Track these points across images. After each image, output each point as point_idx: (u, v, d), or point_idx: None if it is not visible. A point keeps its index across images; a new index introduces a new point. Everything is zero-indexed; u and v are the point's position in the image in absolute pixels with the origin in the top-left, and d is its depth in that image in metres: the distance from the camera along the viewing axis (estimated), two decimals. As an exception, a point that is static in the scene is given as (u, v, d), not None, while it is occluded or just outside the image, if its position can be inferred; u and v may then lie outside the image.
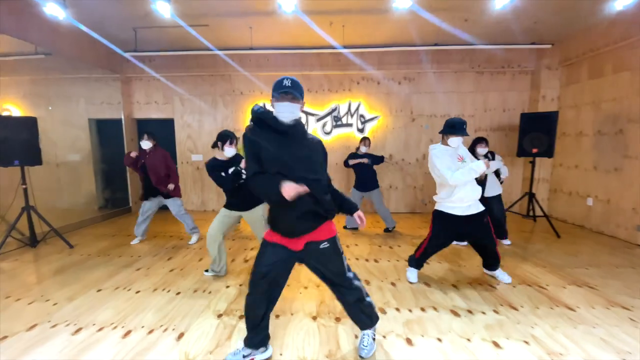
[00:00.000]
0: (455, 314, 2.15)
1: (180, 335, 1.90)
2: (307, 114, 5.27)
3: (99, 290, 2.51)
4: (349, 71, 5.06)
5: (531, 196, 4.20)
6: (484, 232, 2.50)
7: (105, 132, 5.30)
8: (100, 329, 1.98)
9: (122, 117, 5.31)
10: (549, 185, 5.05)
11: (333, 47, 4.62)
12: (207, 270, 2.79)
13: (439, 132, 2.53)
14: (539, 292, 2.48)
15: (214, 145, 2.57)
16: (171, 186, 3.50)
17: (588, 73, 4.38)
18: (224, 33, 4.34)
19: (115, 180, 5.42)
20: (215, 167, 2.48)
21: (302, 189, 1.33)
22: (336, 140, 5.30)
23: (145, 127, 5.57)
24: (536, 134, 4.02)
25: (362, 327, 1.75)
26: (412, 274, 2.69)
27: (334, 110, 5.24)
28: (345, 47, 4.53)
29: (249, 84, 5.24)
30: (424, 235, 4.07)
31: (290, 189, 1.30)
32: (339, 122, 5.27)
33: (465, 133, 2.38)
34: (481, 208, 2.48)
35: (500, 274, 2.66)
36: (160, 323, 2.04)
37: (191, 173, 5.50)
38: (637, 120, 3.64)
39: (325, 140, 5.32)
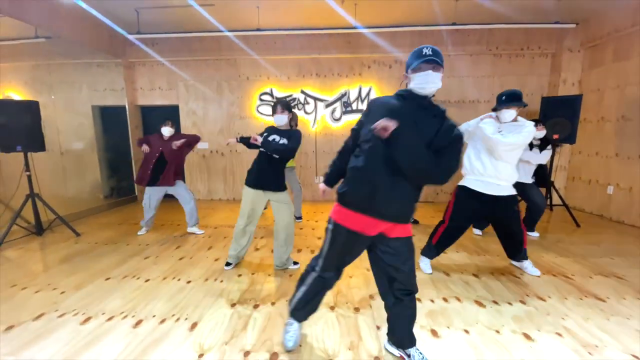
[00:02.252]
0: (481, 304, 2.04)
1: (194, 325, 1.81)
2: (315, 99, 5.09)
3: (107, 279, 2.43)
4: (360, 54, 4.85)
5: (550, 185, 4.04)
6: (513, 218, 2.34)
7: (109, 119, 5.18)
8: (109, 319, 1.90)
9: (126, 104, 5.17)
10: (566, 173, 4.87)
11: (344, 28, 4.40)
12: (228, 264, 2.61)
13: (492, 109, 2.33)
14: (565, 282, 2.37)
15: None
16: (177, 143, 3.30)
17: (613, 55, 4.15)
18: (230, 13, 4.14)
19: (121, 169, 5.33)
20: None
21: (392, 123, 1.16)
22: (346, 127, 5.13)
23: (149, 114, 5.44)
24: (558, 119, 3.83)
25: (406, 343, 1.50)
26: (425, 264, 2.55)
27: (343, 95, 5.06)
28: (357, 27, 4.31)
29: (256, 69, 5.06)
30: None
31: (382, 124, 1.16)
32: (348, 108, 5.09)
33: (519, 103, 2.13)
34: (513, 191, 2.32)
35: (529, 266, 2.50)
36: (172, 312, 1.95)
37: (197, 162, 5.39)
38: (668, 104, 3.44)
39: (335, 127, 5.16)
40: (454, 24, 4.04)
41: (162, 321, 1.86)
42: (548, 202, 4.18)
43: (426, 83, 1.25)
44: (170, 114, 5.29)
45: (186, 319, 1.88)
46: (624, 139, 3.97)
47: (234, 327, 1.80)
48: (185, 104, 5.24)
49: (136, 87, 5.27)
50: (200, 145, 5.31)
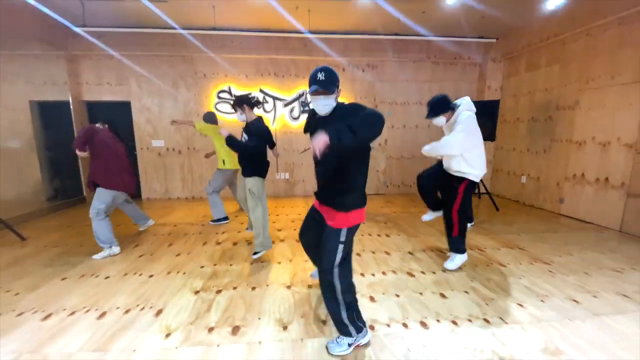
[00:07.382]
0: (411, 274, 2.47)
1: (159, 312, 1.96)
2: (274, 98, 5.28)
3: (63, 279, 2.43)
4: (315, 56, 5.14)
5: (477, 175, 4.74)
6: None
7: (51, 115, 4.83)
8: (71, 313, 1.96)
9: (70, 99, 4.87)
10: (492, 166, 5.69)
11: (299, 32, 4.65)
12: (255, 253, 2.71)
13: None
14: (479, 254, 2.92)
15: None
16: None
17: (526, 66, 4.95)
18: (184, 10, 4.14)
19: (65, 169, 5.01)
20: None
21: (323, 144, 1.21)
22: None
23: (97, 109, 5.18)
24: (481, 120, 4.49)
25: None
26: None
27: (301, 95, 5.31)
28: (311, 32, 4.58)
29: (213, 66, 5.09)
30: (387, 213, 4.42)
31: (318, 143, 1.21)
32: (306, 108, 5.37)
33: (431, 114, 2.63)
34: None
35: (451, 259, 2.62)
36: (136, 303, 2.07)
37: (152, 160, 5.27)
38: (563, 108, 4.26)
39: (294, 125, 5.40)
40: (396, 34, 4.50)
41: (127, 311, 1.98)
42: (476, 191, 4.88)
43: (317, 107, 1.51)
44: (121, 110, 5.10)
45: (151, 307, 2.02)
46: (533, 137, 4.79)
47: (198, 310, 1.99)
48: (138, 100, 5.09)
49: (81, 81, 4.98)
50: (155, 143, 5.20)
